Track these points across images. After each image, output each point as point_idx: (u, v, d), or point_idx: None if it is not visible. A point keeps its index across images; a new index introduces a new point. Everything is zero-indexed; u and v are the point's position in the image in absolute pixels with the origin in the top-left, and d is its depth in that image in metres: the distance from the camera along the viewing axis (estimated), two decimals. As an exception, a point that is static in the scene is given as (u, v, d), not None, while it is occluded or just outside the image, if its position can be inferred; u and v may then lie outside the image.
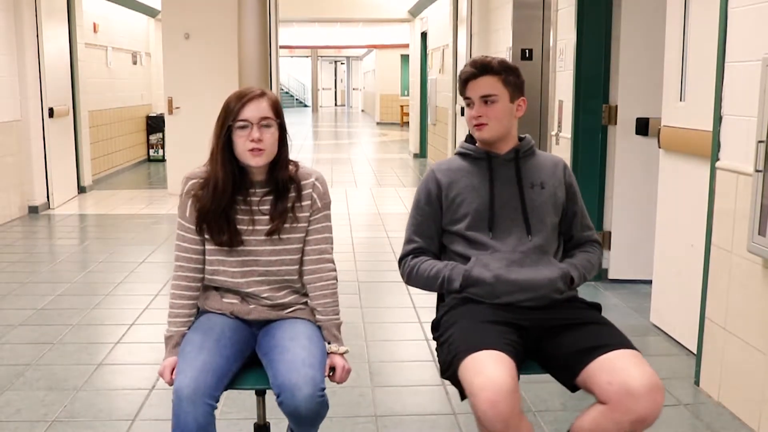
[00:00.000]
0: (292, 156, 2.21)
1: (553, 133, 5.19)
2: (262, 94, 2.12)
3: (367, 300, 4.51)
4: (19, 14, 7.16)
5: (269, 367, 2.03)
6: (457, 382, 1.97)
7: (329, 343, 2.16)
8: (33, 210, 7.41)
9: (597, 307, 2.23)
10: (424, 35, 13.04)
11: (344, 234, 6.40)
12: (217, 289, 2.21)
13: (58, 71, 7.93)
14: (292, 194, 2.16)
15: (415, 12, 13.39)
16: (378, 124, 24.36)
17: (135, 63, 11.56)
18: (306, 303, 2.25)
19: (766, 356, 2.74)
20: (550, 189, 2.26)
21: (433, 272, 2.22)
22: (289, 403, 1.92)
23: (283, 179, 2.15)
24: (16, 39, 7.16)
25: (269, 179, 2.16)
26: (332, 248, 2.25)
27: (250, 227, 2.14)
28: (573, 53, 4.73)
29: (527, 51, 6.72)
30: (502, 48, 6.89)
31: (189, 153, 5.89)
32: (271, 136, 2.10)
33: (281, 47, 10.92)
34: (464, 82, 2.23)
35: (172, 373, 2.05)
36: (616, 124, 4.64)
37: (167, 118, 8.81)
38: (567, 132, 4.89)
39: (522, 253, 2.18)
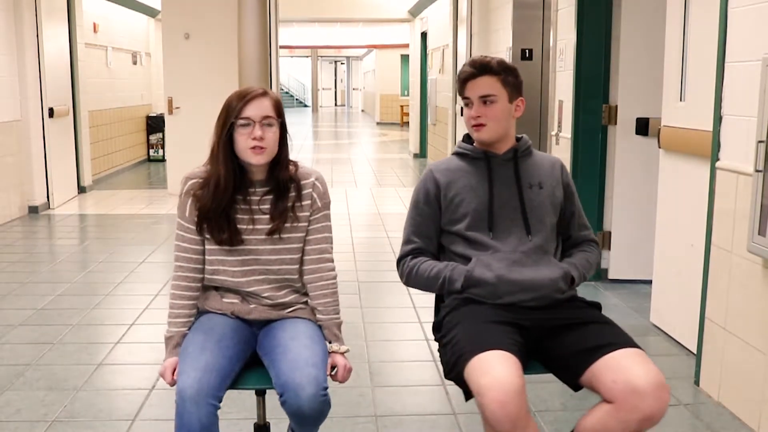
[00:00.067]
0: (291, 156, 2.22)
1: (553, 133, 5.19)
2: (265, 93, 2.13)
3: (367, 300, 4.51)
4: (19, 14, 7.16)
5: (271, 367, 2.03)
6: (462, 383, 1.97)
7: (330, 343, 2.16)
8: (33, 210, 7.41)
9: (597, 306, 2.23)
10: (424, 35, 13.04)
11: (344, 234, 6.40)
12: (217, 289, 2.21)
13: (58, 71, 7.93)
14: (293, 194, 2.17)
15: (415, 12, 13.39)
16: (378, 124, 24.36)
17: (135, 63, 11.56)
18: (306, 302, 2.25)
19: (766, 356, 2.74)
20: (549, 189, 2.27)
21: (433, 273, 2.22)
22: (293, 402, 1.92)
23: (284, 179, 2.15)
24: (16, 39, 7.16)
25: (269, 178, 2.16)
26: (332, 248, 2.25)
27: (250, 226, 2.14)
28: (573, 53, 4.73)
29: (527, 51, 6.72)
30: (502, 48, 6.89)
31: (189, 153, 5.89)
32: (272, 135, 2.11)
33: (281, 47, 10.92)
34: (463, 82, 2.23)
35: (173, 374, 2.06)
36: (616, 124, 4.64)
37: (167, 118, 8.81)
38: (567, 132, 4.89)
39: (523, 253, 2.18)
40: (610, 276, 4.78)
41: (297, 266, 2.21)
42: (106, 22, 10.21)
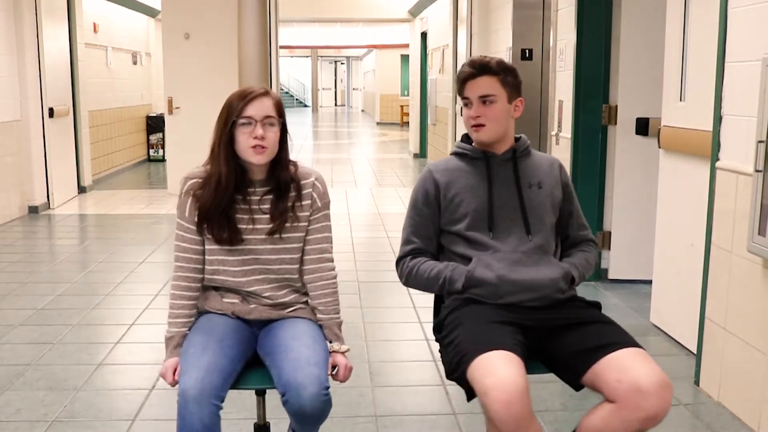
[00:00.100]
0: (291, 156, 2.22)
1: (553, 133, 5.19)
2: (266, 93, 2.13)
3: (367, 300, 4.51)
4: (19, 14, 7.16)
5: (273, 366, 2.03)
6: (465, 384, 1.96)
7: (331, 342, 2.16)
8: (33, 210, 7.41)
9: (597, 306, 2.23)
10: (424, 35, 13.04)
11: (344, 234, 6.40)
12: (216, 289, 2.21)
13: (58, 71, 7.93)
14: (293, 194, 2.17)
15: (415, 12, 13.39)
16: (378, 124, 24.36)
17: (135, 63, 11.56)
18: (306, 302, 2.25)
19: (766, 356, 2.74)
20: (548, 189, 2.27)
21: (433, 273, 2.22)
22: (295, 402, 1.93)
23: (285, 179, 2.16)
24: (16, 39, 7.16)
25: (269, 178, 2.16)
26: (332, 247, 2.25)
27: (250, 226, 2.14)
28: (573, 53, 4.73)
29: (527, 51, 6.71)
30: (502, 48, 6.89)
31: (189, 153, 5.88)
32: (273, 134, 2.11)
33: (281, 47, 10.91)
34: (462, 82, 2.23)
35: (174, 374, 2.06)
36: (616, 124, 4.64)
37: (167, 118, 8.81)
38: (567, 132, 4.89)
39: (523, 253, 2.18)
40: (610, 276, 4.78)
41: (297, 266, 2.21)
42: (106, 22, 10.21)
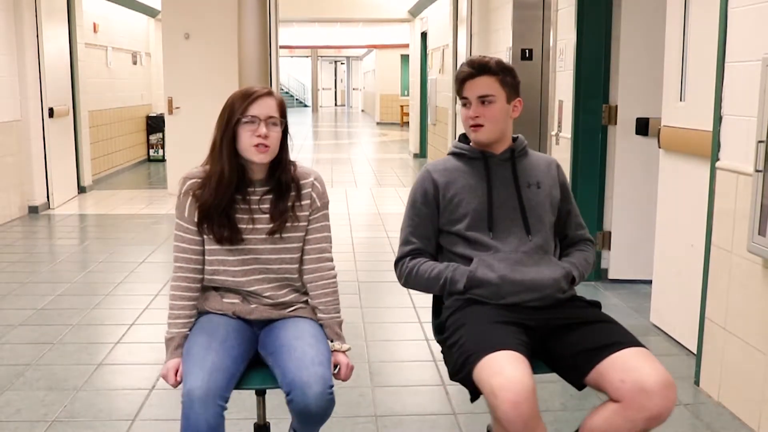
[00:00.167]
0: (291, 156, 2.22)
1: (553, 133, 5.19)
2: (270, 93, 2.14)
3: (367, 300, 4.51)
4: (19, 14, 7.16)
5: (276, 366, 2.03)
6: (469, 384, 1.96)
7: (332, 341, 2.17)
8: (33, 210, 7.41)
9: (597, 305, 2.23)
10: (424, 35, 13.04)
11: (344, 234, 6.40)
12: (216, 289, 2.21)
13: (58, 71, 7.93)
14: (292, 194, 2.17)
15: (415, 12, 13.39)
16: (378, 124, 24.36)
17: (135, 63, 11.56)
18: (306, 302, 2.25)
19: (766, 356, 2.74)
20: (546, 188, 2.27)
21: (434, 274, 2.21)
22: (300, 401, 1.93)
23: (285, 180, 2.16)
24: (16, 39, 7.16)
25: (269, 178, 2.17)
26: (331, 247, 2.26)
27: (250, 225, 2.14)
28: (573, 53, 4.73)
29: (527, 51, 6.71)
30: (502, 48, 6.89)
31: (189, 153, 5.87)
32: (276, 134, 2.11)
33: (281, 47, 10.91)
34: (461, 82, 2.23)
35: (176, 375, 2.06)
36: (616, 124, 4.64)
37: (167, 118, 8.81)
38: (567, 132, 4.89)
39: (524, 253, 2.18)
40: (610, 276, 4.78)
41: (297, 266, 2.21)
42: (106, 22, 10.21)
